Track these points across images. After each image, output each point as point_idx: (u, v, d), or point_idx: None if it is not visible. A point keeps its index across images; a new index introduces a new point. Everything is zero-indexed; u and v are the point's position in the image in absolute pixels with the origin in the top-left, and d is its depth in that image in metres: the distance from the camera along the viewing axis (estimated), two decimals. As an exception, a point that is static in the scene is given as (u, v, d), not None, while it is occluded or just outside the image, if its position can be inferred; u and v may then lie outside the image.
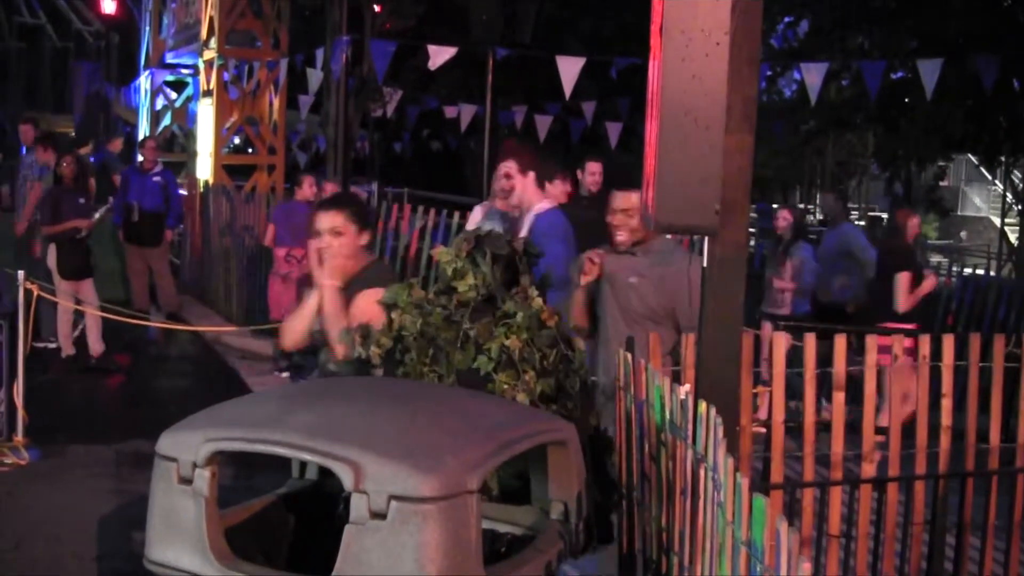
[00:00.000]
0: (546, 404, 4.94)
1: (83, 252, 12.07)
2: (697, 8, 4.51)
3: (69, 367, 12.01)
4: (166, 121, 26.01)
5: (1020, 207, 35.03)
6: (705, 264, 4.78)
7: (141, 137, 22.73)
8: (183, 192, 18.04)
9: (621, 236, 6.26)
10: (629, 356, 4.97)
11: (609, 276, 6.22)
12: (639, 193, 5.44)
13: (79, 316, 12.19)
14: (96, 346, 12.11)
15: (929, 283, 10.73)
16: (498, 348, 4.93)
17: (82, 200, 12.26)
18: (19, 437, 8.77)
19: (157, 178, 14.93)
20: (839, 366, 5.97)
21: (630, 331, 5.77)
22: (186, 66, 24.43)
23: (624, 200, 6.23)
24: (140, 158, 16.25)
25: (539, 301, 5.15)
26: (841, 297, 11.57)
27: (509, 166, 7.48)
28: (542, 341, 5.03)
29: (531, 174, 7.41)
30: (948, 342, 6.23)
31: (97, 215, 12.34)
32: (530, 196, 7.38)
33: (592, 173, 11.02)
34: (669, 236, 6.35)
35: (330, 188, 13.10)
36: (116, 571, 6.57)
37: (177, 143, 27.46)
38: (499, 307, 5.07)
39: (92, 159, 17.08)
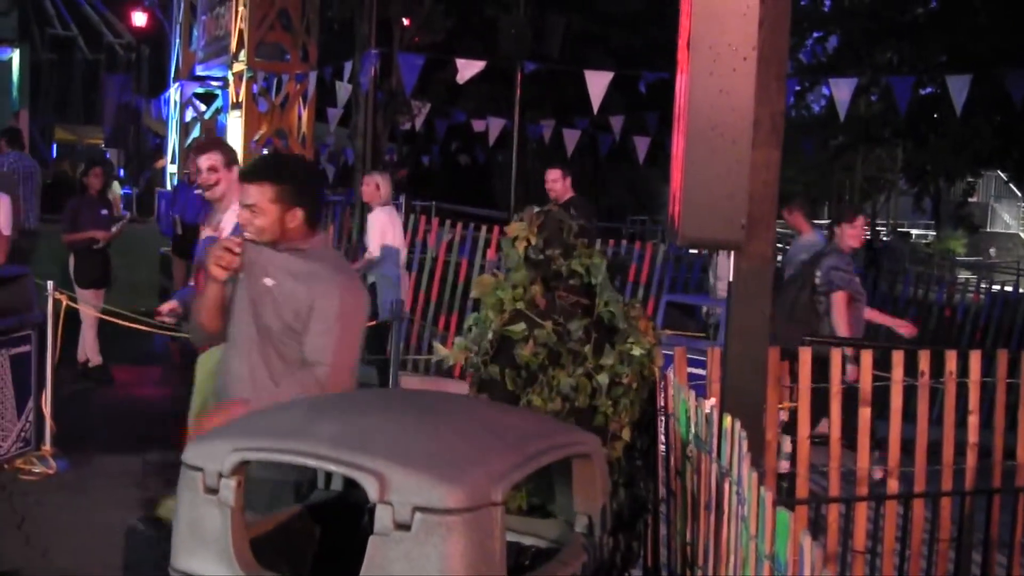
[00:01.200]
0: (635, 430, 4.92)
1: (101, 262, 12.15)
2: (725, 23, 4.52)
3: (99, 376, 12.06)
4: (195, 133, 26.14)
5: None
6: (731, 278, 4.78)
7: (185, 149, 22.86)
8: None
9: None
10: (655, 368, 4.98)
11: (247, 270, 4.90)
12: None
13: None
14: (88, 353, 12.25)
15: None
16: (621, 391, 4.88)
17: (104, 211, 12.36)
18: (47, 447, 8.80)
19: (198, 190, 14.92)
20: (865, 382, 5.96)
21: (261, 343, 4.89)
22: (216, 78, 24.56)
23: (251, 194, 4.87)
24: (187, 170, 16.33)
25: (647, 322, 5.07)
26: None
27: (214, 159, 6.95)
28: (649, 371, 4.98)
29: (235, 168, 6.86)
30: (975, 358, 6.20)
31: (116, 228, 12.41)
32: (232, 193, 6.80)
33: (546, 181, 11.06)
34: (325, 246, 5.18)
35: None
36: (142, 580, 6.59)
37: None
38: (609, 322, 4.98)
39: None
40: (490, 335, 5.05)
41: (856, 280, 9.16)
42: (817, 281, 9.03)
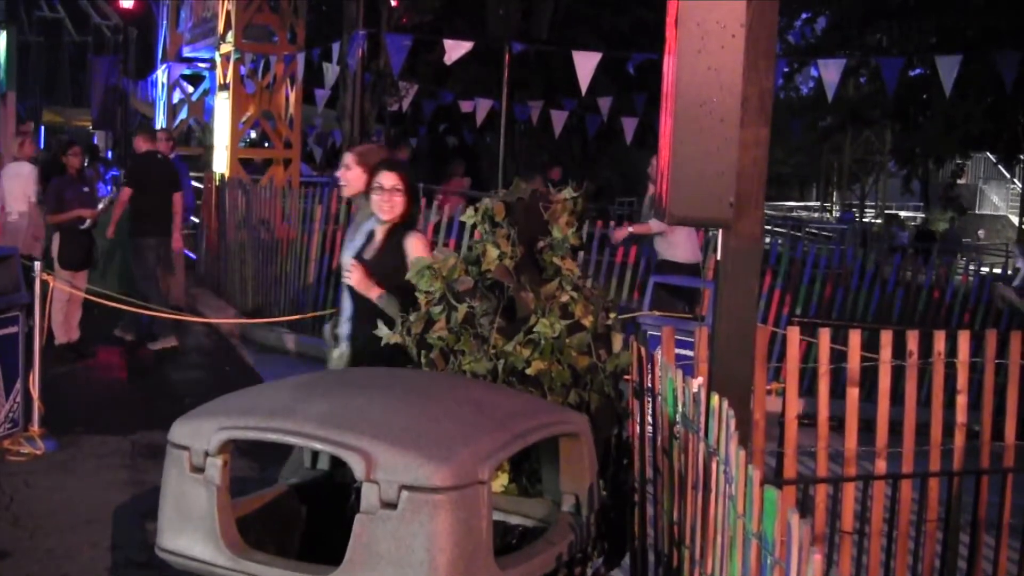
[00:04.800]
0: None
1: (86, 243, 12.12)
2: (713, 0, 4.50)
3: (69, 354, 12.04)
4: (183, 115, 26.06)
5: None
6: (719, 257, 4.77)
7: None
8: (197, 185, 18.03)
9: None
10: (642, 348, 4.96)
11: None
12: None
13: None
14: (73, 333, 12.25)
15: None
16: (530, 373, 4.85)
17: (86, 189, 12.36)
18: (35, 427, 8.78)
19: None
20: (853, 362, 5.95)
21: None
22: (203, 60, 24.48)
23: None
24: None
25: (572, 297, 5.03)
26: None
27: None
28: (572, 349, 4.94)
29: None
30: (964, 338, 6.20)
31: (101, 205, 12.40)
32: None
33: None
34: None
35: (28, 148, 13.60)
36: (130, 560, 6.58)
37: (194, 137, 27.51)
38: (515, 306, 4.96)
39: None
40: (413, 317, 5.08)
41: None
42: None
